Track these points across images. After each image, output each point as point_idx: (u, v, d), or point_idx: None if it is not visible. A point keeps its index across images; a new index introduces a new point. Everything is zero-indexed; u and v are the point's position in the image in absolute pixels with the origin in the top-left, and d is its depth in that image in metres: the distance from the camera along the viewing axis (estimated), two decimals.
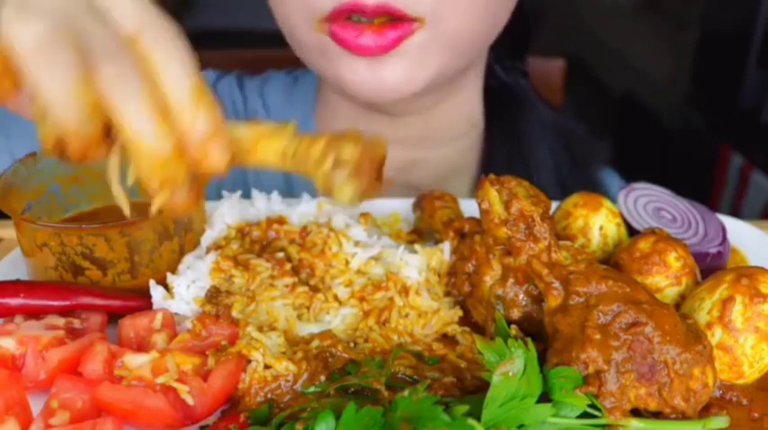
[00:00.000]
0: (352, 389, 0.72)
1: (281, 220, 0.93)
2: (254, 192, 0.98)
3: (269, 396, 0.73)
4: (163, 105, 0.57)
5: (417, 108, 1.16)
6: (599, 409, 0.64)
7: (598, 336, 0.66)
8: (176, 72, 0.58)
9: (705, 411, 0.69)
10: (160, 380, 0.72)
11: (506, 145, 1.30)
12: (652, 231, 0.83)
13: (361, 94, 1.02)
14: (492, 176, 0.80)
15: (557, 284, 0.73)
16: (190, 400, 0.71)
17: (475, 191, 0.82)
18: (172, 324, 0.81)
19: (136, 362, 0.74)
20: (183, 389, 0.71)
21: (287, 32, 1.06)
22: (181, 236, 0.89)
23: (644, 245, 0.81)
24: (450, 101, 1.18)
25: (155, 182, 0.59)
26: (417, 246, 0.90)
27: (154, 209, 0.61)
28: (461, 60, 1.08)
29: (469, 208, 0.95)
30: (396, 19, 0.94)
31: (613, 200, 0.94)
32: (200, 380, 0.73)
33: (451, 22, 0.97)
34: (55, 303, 0.82)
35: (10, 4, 0.56)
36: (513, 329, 0.72)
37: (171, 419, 0.69)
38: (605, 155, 1.42)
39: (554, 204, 0.87)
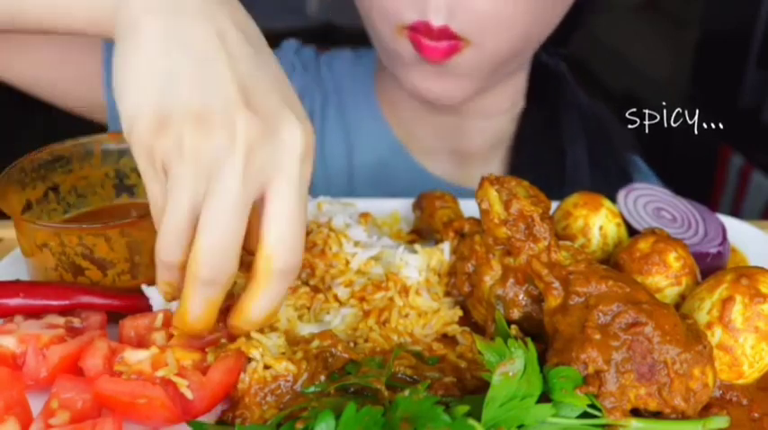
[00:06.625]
0: (352, 389, 0.72)
1: None
2: None
3: (269, 396, 0.73)
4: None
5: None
6: (599, 409, 0.64)
7: (598, 336, 0.66)
8: (278, 233, 0.68)
9: (705, 411, 0.69)
10: (159, 373, 0.71)
11: (542, 119, 1.40)
12: (652, 231, 0.83)
13: (426, 96, 1.21)
14: (492, 176, 0.80)
15: (557, 284, 0.73)
16: (189, 394, 0.70)
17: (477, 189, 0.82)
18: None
19: (136, 357, 0.74)
20: (182, 383, 0.71)
21: (375, 37, 1.23)
22: None
23: (644, 245, 0.81)
24: (497, 87, 1.31)
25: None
26: (417, 246, 0.90)
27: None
28: (506, 68, 1.23)
29: (469, 208, 0.95)
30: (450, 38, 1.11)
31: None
32: (199, 375, 0.72)
33: (491, 44, 1.13)
34: (55, 303, 0.81)
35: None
36: (513, 329, 0.72)
37: (170, 413, 0.69)
38: (633, 142, 1.52)
39: (554, 204, 0.87)
